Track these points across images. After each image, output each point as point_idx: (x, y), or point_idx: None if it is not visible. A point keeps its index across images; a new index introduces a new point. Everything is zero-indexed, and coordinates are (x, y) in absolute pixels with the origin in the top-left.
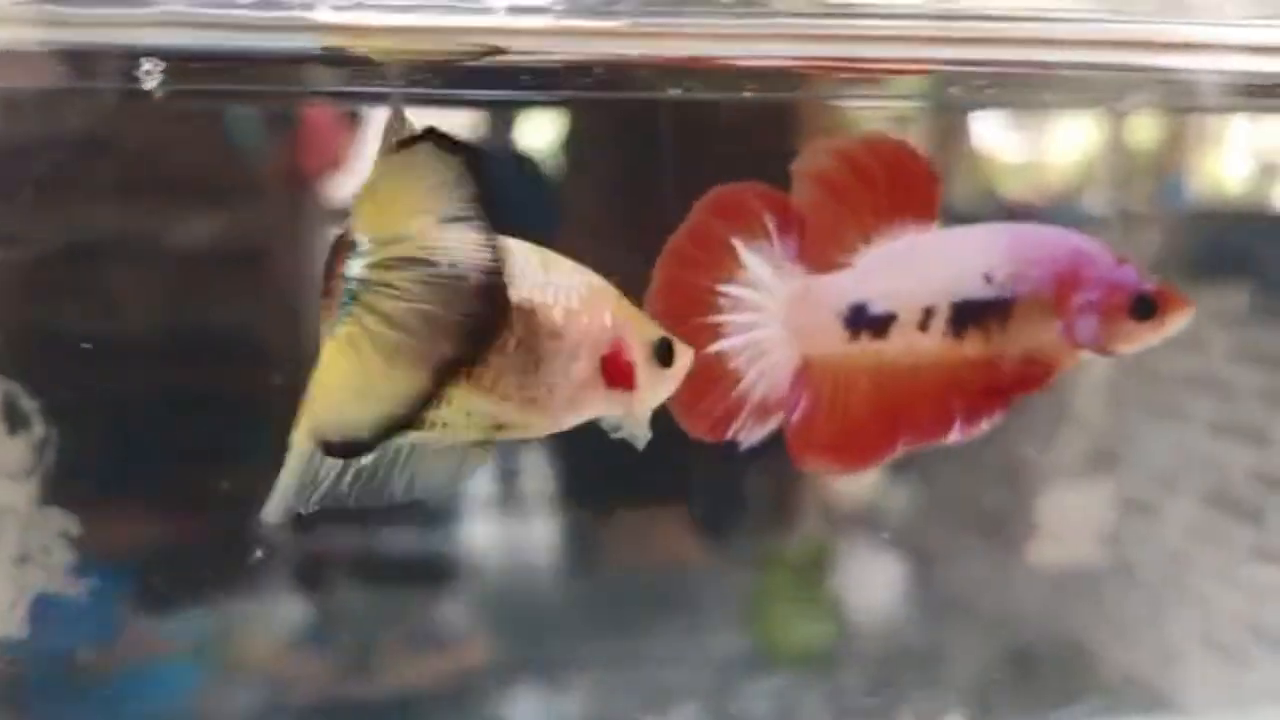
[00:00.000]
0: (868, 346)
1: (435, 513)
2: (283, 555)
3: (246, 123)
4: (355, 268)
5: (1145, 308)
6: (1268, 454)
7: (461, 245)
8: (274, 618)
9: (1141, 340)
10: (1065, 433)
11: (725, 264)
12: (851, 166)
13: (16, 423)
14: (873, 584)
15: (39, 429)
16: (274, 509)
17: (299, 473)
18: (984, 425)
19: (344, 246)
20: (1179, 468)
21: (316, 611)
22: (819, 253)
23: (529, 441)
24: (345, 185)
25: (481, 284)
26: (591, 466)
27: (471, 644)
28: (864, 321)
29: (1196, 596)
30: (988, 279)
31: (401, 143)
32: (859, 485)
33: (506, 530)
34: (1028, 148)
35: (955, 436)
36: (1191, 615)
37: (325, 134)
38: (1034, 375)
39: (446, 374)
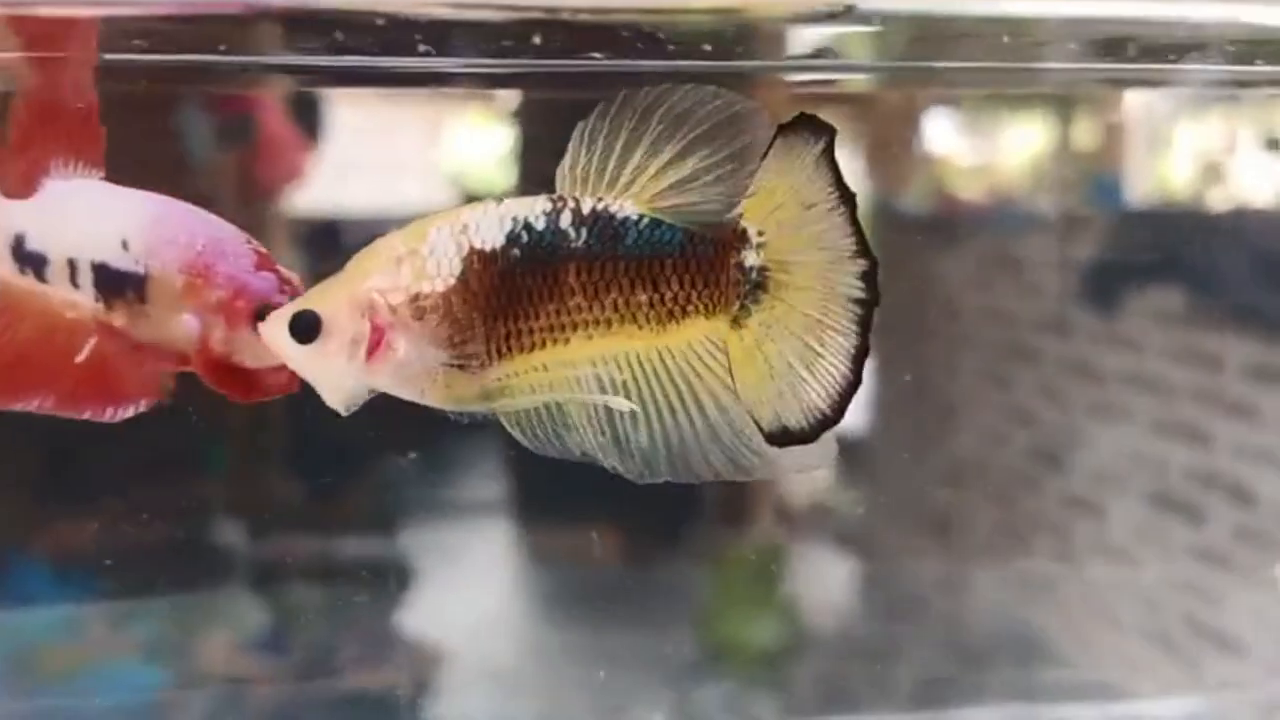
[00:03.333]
0: (35, 285)
1: (390, 515)
2: (241, 559)
3: (199, 129)
4: (752, 258)
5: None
6: (1206, 454)
7: (841, 232)
8: (232, 620)
9: (269, 358)
10: (1012, 431)
11: None
12: (31, 99)
13: None
14: (825, 583)
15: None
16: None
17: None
18: (135, 409)
19: (732, 237)
20: (1123, 467)
21: (272, 614)
22: (16, 175)
23: (483, 442)
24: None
25: (863, 270)
26: (544, 467)
27: (426, 646)
28: (24, 256)
29: (1142, 593)
30: (125, 246)
31: (782, 128)
32: (812, 485)
33: (459, 531)
34: (974, 145)
35: (109, 414)
36: (1137, 611)
37: (283, 142)
38: (174, 361)
39: (861, 361)
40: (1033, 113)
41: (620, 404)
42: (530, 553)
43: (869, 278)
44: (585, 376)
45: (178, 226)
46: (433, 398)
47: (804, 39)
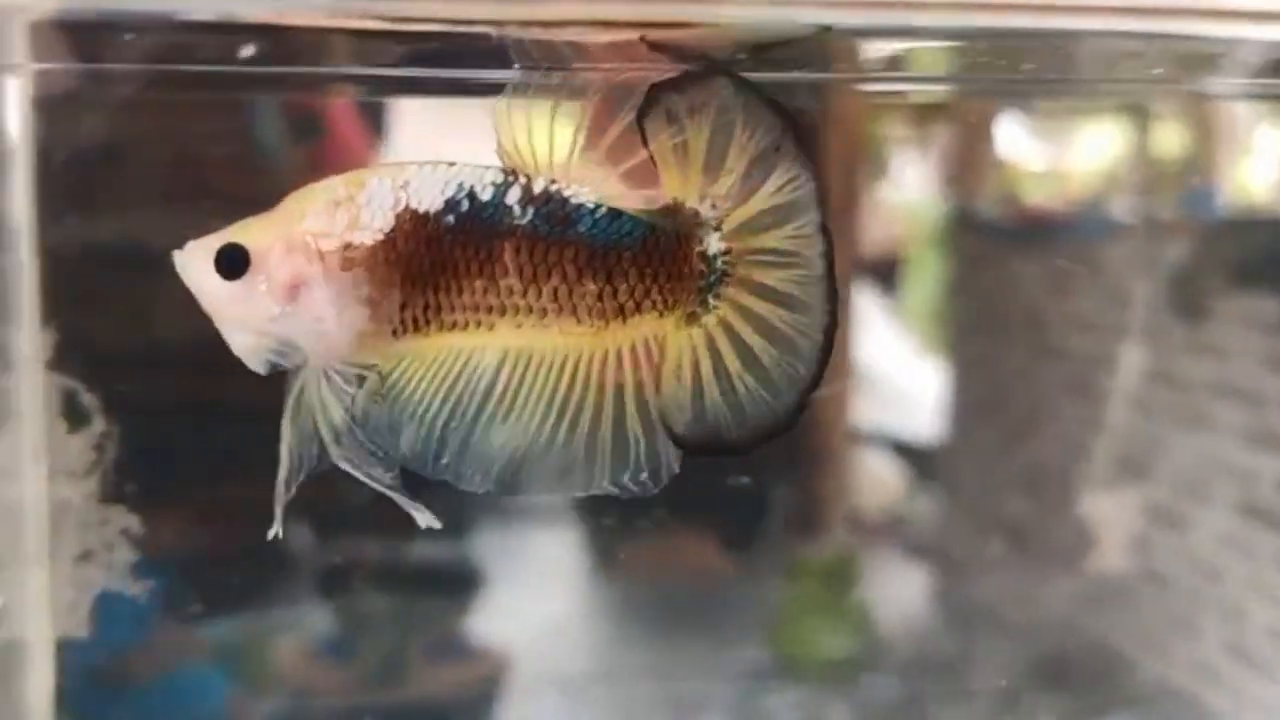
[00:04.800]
0: None
1: (460, 520)
2: (309, 564)
3: (271, 125)
4: (715, 244)
5: None
6: None
7: (802, 197)
8: (300, 626)
9: None
10: (1094, 441)
11: None
12: None
13: (77, 419)
14: (899, 593)
15: (99, 425)
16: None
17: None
18: None
19: (693, 224)
20: (1209, 476)
21: (341, 621)
22: None
23: None
24: None
25: (827, 288)
26: None
27: (496, 654)
28: None
29: (1227, 606)
30: None
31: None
32: (886, 494)
33: (531, 540)
34: (1055, 153)
35: None
36: (1222, 625)
37: (352, 142)
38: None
39: (824, 360)
40: (1120, 121)
41: (424, 519)
42: (600, 559)
43: (829, 260)
44: (489, 370)
45: None
46: (335, 358)
47: (879, 50)
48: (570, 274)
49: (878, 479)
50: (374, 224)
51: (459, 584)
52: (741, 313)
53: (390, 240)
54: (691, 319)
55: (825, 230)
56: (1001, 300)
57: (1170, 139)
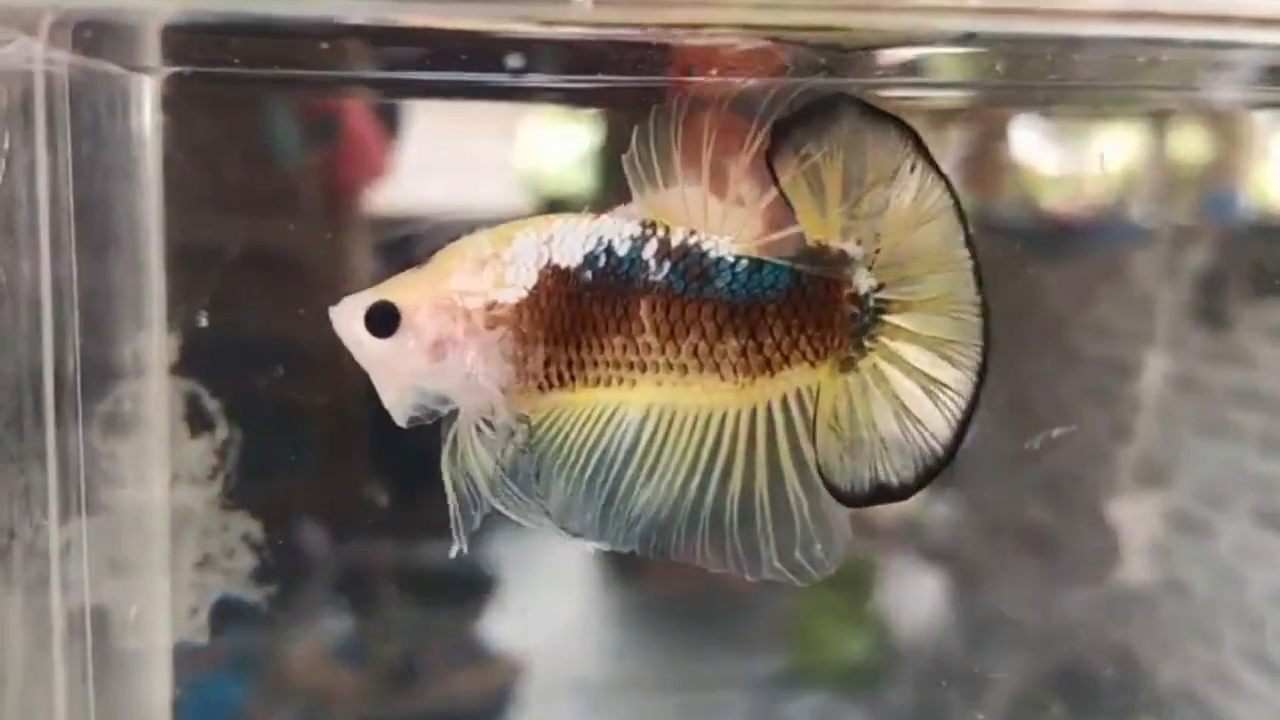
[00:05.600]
0: None
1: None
2: (326, 570)
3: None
4: (865, 284)
5: None
6: None
7: (945, 211)
8: (317, 632)
9: None
10: (1114, 447)
11: None
12: None
13: (200, 425)
14: (916, 600)
15: (222, 431)
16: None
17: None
18: None
19: (841, 264)
20: (1230, 484)
21: (358, 626)
22: None
23: None
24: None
25: (979, 301)
26: None
27: (512, 659)
28: None
29: (1247, 613)
30: None
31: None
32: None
33: (548, 545)
34: (1075, 159)
35: None
36: (1242, 632)
37: (366, 142)
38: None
39: (981, 381)
40: (1141, 127)
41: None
42: (617, 564)
43: (979, 277)
44: (632, 426)
45: None
46: (484, 411)
47: (897, 55)
48: (710, 331)
49: None
50: (519, 281)
51: (475, 588)
52: (899, 351)
53: (534, 297)
54: (846, 365)
55: (971, 243)
56: (1021, 306)
57: (1191, 145)
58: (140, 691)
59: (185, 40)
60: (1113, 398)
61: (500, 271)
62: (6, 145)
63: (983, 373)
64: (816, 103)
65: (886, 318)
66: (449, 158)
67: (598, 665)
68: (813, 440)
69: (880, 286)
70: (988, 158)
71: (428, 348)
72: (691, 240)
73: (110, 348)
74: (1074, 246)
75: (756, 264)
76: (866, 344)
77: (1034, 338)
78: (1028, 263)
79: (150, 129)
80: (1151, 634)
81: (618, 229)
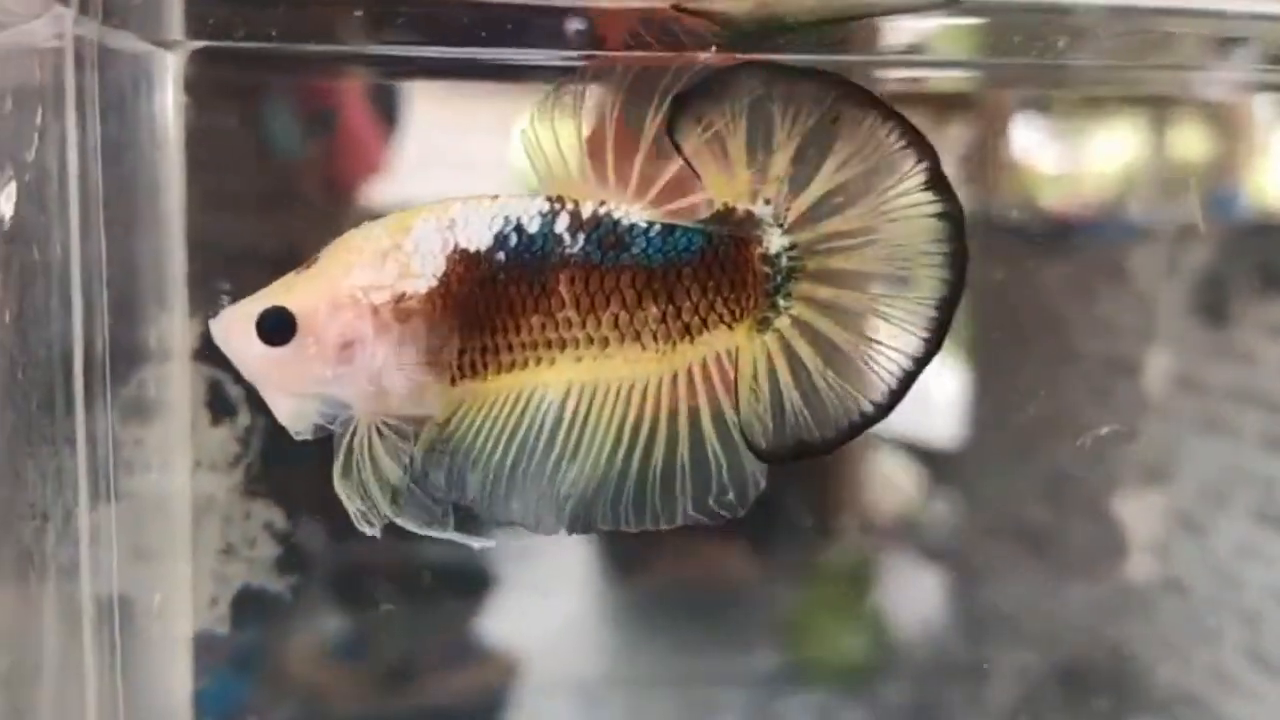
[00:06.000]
0: None
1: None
2: (322, 568)
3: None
4: (777, 242)
5: None
6: None
7: (883, 162)
8: (314, 631)
9: None
10: (1114, 446)
11: None
12: None
13: (221, 411)
14: (915, 598)
15: (244, 418)
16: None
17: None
18: None
19: (743, 220)
20: (1230, 482)
21: (354, 625)
22: None
23: None
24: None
25: (948, 252)
26: None
27: (508, 658)
28: None
29: (1246, 612)
30: None
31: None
32: (903, 498)
33: (545, 542)
34: (1076, 155)
35: None
36: (1241, 631)
37: (363, 135)
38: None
39: (942, 333)
40: (1143, 123)
41: (481, 542)
42: (615, 562)
43: (953, 221)
44: (553, 407)
45: None
46: (388, 414)
47: (901, 33)
48: (629, 299)
49: (893, 482)
50: (427, 270)
51: (472, 586)
52: (818, 307)
53: (444, 285)
54: (763, 325)
55: (933, 188)
56: (1020, 303)
57: (1193, 142)
58: (163, 680)
59: (206, 14)
60: (1113, 396)
61: (404, 262)
62: (39, 121)
63: (939, 328)
64: (716, 72)
65: (803, 277)
66: (456, 147)
67: (595, 663)
68: (734, 401)
69: (793, 246)
70: (988, 155)
71: (333, 351)
72: (602, 210)
73: (135, 331)
74: (1074, 244)
75: (669, 228)
76: (782, 303)
77: (1034, 335)
78: (1027, 260)
79: (173, 107)
80: (1151, 633)
81: (524, 207)
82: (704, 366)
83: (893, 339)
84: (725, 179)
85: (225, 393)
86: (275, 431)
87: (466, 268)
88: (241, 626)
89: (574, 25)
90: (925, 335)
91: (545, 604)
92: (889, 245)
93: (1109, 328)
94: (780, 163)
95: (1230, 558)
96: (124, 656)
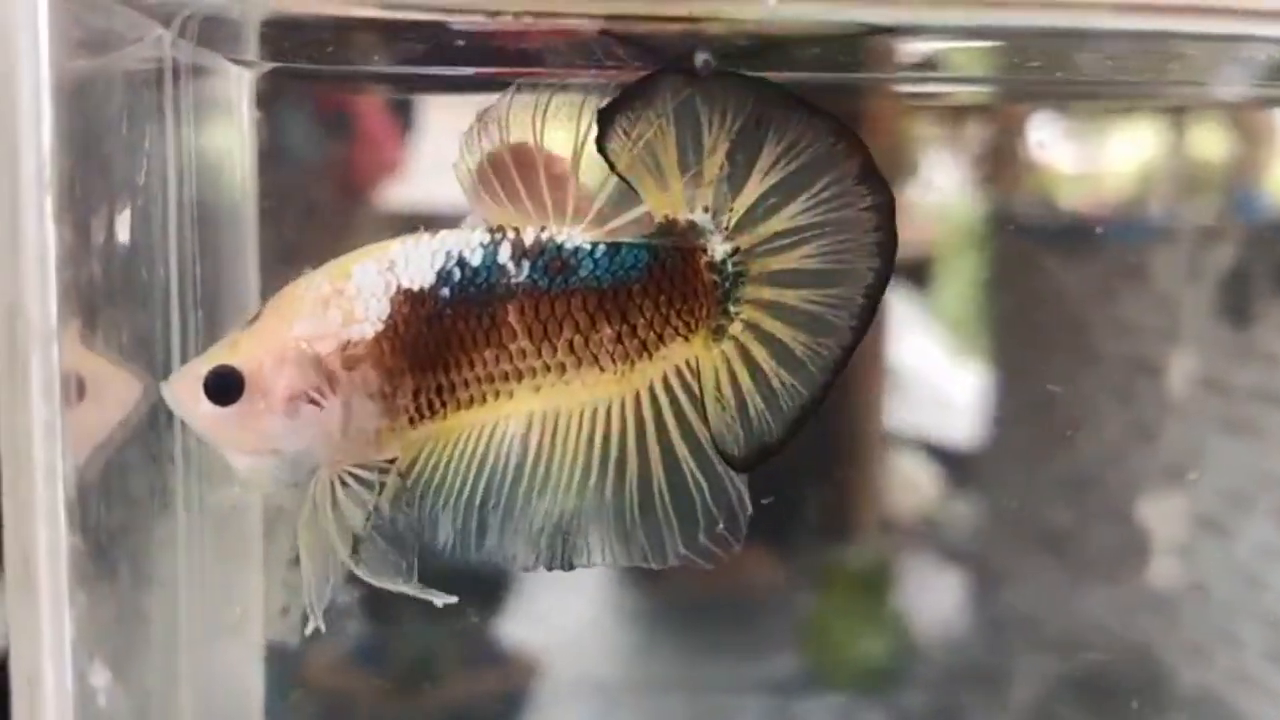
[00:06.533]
0: None
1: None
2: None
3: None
4: (720, 248)
5: None
6: None
7: (807, 161)
8: (333, 633)
9: None
10: (1136, 447)
11: None
12: None
13: None
14: (934, 601)
15: None
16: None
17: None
18: None
19: (686, 230)
20: (1253, 484)
21: (374, 627)
22: None
23: None
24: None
25: (877, 241)
26: None
27: (527, 660)
28: None
29: (1269, 614)
30: None
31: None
32: (920, 500)
33: None
34: (1097, 156)
35: None
36: (1263, 633)
37: (379, 139)
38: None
39: (847, 358)
40: (1164, 124)
41: (439, 598)
42: (633, 568)
43: (882, 211)
44: (516, 440)
45: None
46: (347, 462)
47: (913, 53)
48: (583, 322)
49: (913, 484)
50: (371, 314)
51: (492, 589)
52: (764, 308)
53: (391, 327)
54: (719, 333)
55: (865, 181)
56: (1043, 303)
57: (1215, 142)
58: (238, 691)
59: (278, 35)
60: (1134, 397)
61: (347, 308)
62: (147, 143)
63: (869, 315)
64: (635, 83)
65: (748, 280)
66: None
67: (614, 666)
68: (702, 414)
69: (736, 250)
70: (1007, 156)
71: (281, 405)
72: (544, 235)
73: None
74: (1095, 245)
75: (614, 247)
76: (733, 309)
77: (1055, 336)
78: (1049, 261)
79: (248, 125)
80: (1173, 635)
81: (464, 240)
82: (665, 381)
83: (827, 330)
84: (661, 190)
85: None
86: None
87: (412, 307)
88: (312, 636)
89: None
90: (854, 324)
91: (564, 607)
92: (825, 240)
93: (1130, 329)
94: (712, 168)
95: (1253, 559)
96: (211, 667)
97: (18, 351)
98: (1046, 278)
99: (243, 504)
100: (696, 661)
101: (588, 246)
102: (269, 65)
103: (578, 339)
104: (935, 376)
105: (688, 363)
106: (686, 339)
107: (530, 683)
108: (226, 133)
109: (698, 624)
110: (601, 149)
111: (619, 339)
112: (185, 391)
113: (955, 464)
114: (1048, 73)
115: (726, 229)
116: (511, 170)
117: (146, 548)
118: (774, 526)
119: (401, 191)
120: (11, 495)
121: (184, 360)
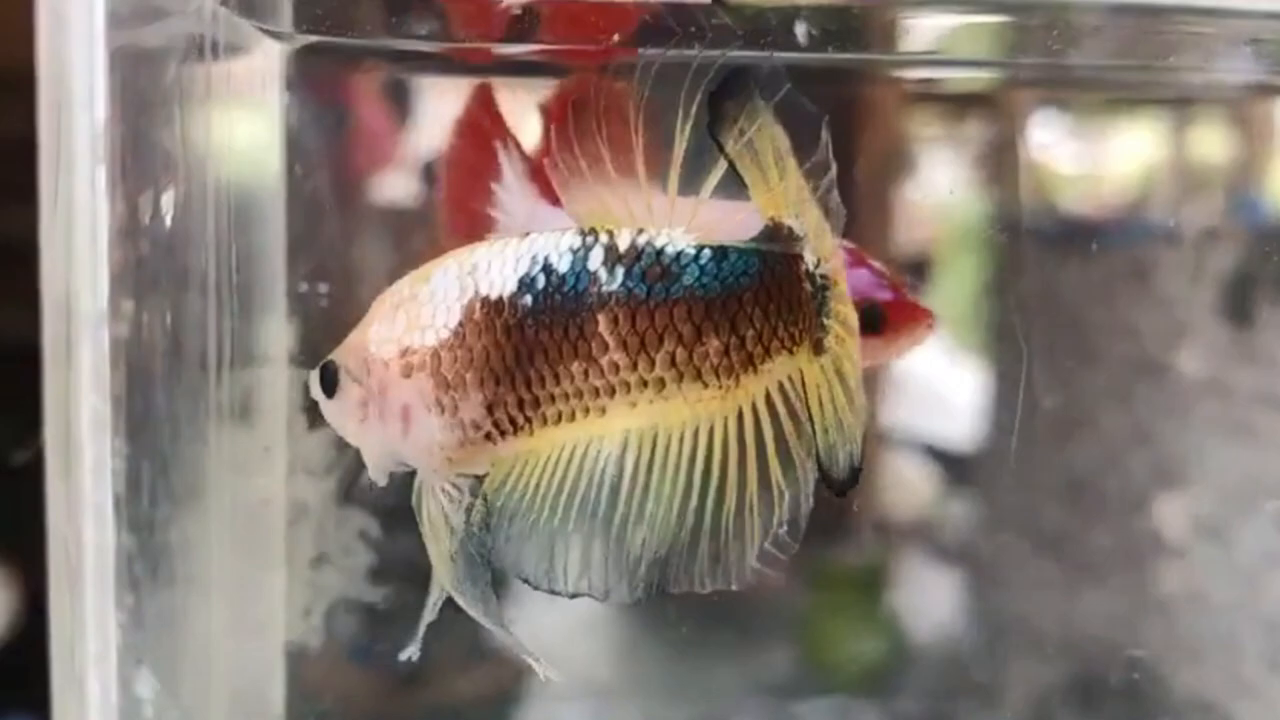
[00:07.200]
0: None
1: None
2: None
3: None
4: (810, 259)
5: (870, 320)
6: None
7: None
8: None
9: (865, 355)
10: (1135, 450)
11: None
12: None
13: (319, 417)
14: (931, 602)
15: None
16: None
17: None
18: None
19: (789, 236)
20: (1252, 488)
21: (367, 627)
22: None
23: None
24: None
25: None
26: None
27: (521, 662)
28: None
29: (1267, 619)
30: None
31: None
32: (918, 501)
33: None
34: (1097, 156)
35: None
36: (1261, 638)
37: (376, 129)
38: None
39: None
40: (1166, 124)
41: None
42: None
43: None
44: (611, 461)
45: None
46: (432, 472)
47: (920, 32)
48: (687, 334)
49: (910, 484)
50: (436, 321)
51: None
52: (840, 322)
53: (458, 336)
54: (819, 348)
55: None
56: (1042, 304)
57: (1218, 144)
58: (262, 693)
59: (315, 7)
60: (1134, 399)
61: (415, 313)
62: (187, 121)
63: None
64: (734, 71)
65: (831, 291)
66: None
67: (608, 666)
68: (799, 431)
69: (818, 261)
70: (1008, 156)
71: (352, 408)
72: (642, 240)
73: (246, 335)
74: (1096, 246)
75: (721, 251)
76: (825, 321)
77: (1054, 337)
78: (1048, 262)
79: (278, 104)
80: (1170, 639)
81: (553, 243)
82: (768, 397)
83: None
84: (766, 189)
85: None
86: None
87: (487, 315)
88: (335, 637)
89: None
90: None
91: (559, 606)
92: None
93: (1131, 330)
94: (793, 170)
95: (1252, 565)
96: (236, 670)
97: (67, 335)
98: (1046, 279)
99: (264, 499)
100: (691, 661)
101: (692, 251)
102: (304, 40)
103: (680, 351)
104: (933, 376)
105: (790, 378)
106: (791, 352)
107: (524, 682)
108: (258, 114)
109: (693, 624)
110: (714, 138)
111: (726, 351)
112: (314, 378)
113: (953, 465)
114: (1051, 56)
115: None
116: (607, 165)
117: (186, 547)
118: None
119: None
120: (57, 488)
121: (216, 345)
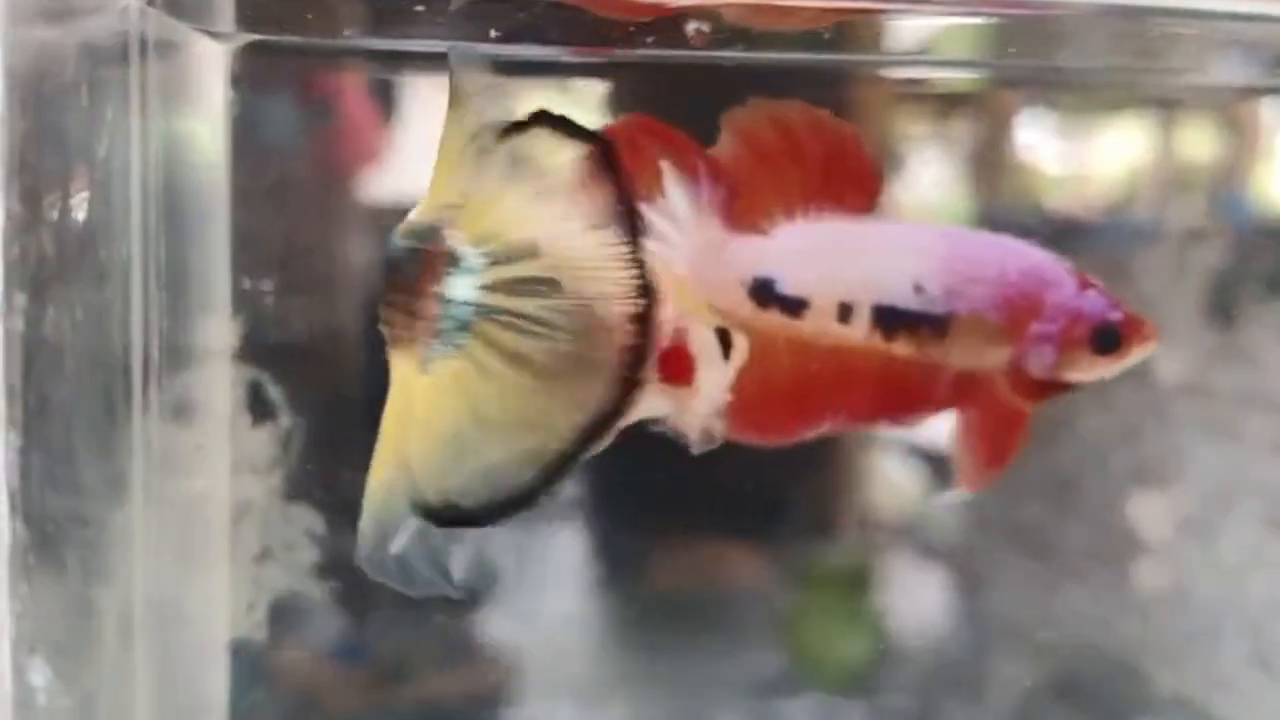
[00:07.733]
0: (783, 320)
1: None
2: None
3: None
4: (461, 288)
5: (1108, 340)
6: None
7: (602, 262)
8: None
9: (1099, 372)
10: (1117, 449)
11: (650, 182)
12: (785, 135)
13: (261, 413)
14: (915, 600)
15: (285, 420)
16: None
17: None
18: (915, 423)
19: (439, 259)
20: (1235, 488)
21: (352, 625)
22: (736, 211)
23: None
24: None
25: (631, 314)
26: (626, 478)
27: (506, 660)
28: (772, 297)
29: (1249, 618)
30: (917, 289)
31: (510, 128)
32: (901, 499)
33: (543, 544)
34: (1082, 156)
35: (884, 428)
36: (1243, 637)
37: (361, 124)
38: (977, 395)
39: (594, 431)
40: (1151, 124)
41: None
42: (613, 563)
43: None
44: None
45: (980, 262)
46: None
47: (906, 34)
48: None
49: (894, 483)
50: None
51: (470, 587)
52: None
53: None
54: (424, 368)
55: None
56: None
57: (1203, 143)
58: (199, 688)
59: (257, 6)
60: (1116, 398)
61: None
62: (109, 115)
63: (586, 437)
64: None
65: (480, 330)
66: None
67: (593, 664)
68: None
69: (482, 300)
70: (992, 156)
71: None
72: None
73: (181, 331)
74: (1079, 245)
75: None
76: (455, 350)
77: None
78: None
79: (221, 102)
80: (1153, 638)
81: None
82: None
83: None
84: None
85: (266, 394)
86: (316, 433)
87: None
88: (278, 633)
89: None
90: None
91: (543, 605)
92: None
93: None
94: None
95: (1235, 564)
96: (168, 662)
97: None
98: None
99: (206, 496)
100: (676, 660)
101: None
102: (245, 38)
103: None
104: None
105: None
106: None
107: (508, 681)
108: (197, 112)
109: (678, 622)
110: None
111: None
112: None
113: (937, 463)
114: (1036, 57)
115: (478, 270)
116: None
117: (99, 540)
118: (754, 525)
119: (386, 179)
120: None
121: (144, 344)
